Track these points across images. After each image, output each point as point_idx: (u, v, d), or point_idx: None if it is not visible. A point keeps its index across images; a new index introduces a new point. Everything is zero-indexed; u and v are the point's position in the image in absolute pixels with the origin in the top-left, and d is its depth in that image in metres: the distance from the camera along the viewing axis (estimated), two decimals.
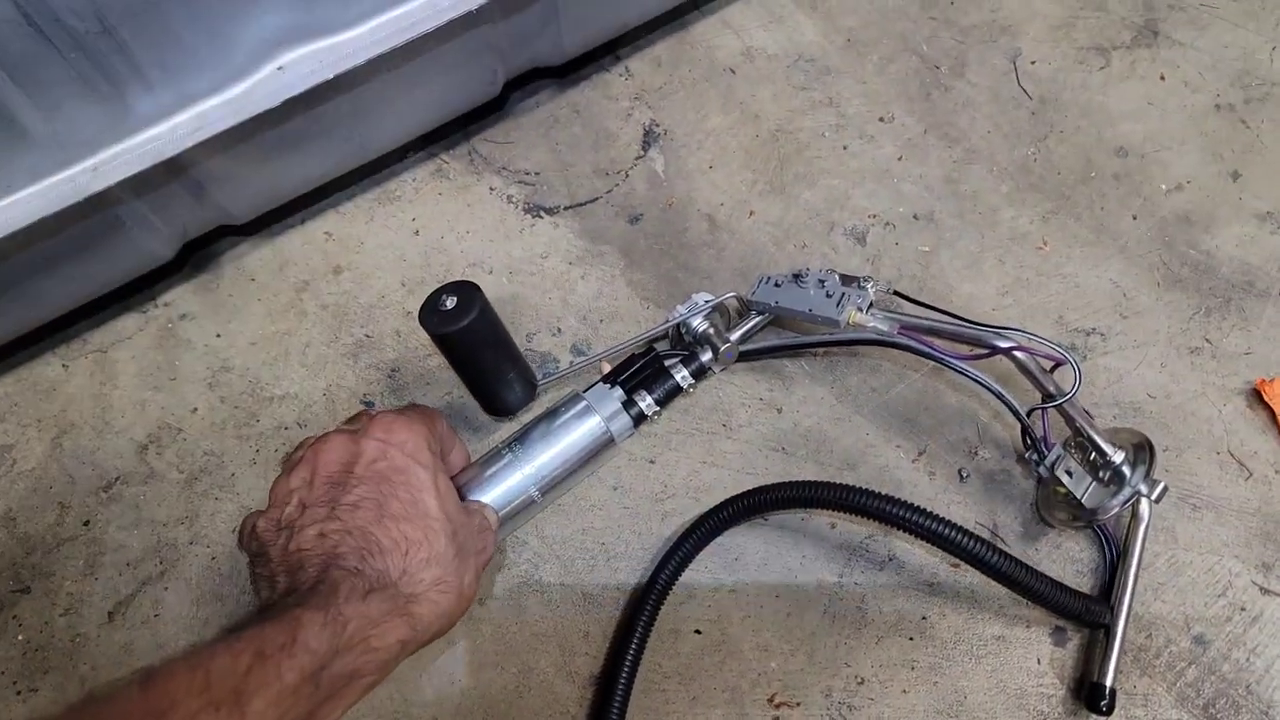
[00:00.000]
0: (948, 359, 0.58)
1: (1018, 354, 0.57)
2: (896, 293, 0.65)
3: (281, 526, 0.47)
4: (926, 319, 0.61)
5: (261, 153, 0.62)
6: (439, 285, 0.57)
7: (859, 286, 0.63)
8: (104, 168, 0.54)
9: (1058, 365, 0.58)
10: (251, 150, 0.61)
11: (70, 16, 0.48)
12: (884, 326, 0.60)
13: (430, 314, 0.55)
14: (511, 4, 0.61)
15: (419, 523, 0.48)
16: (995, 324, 0.59)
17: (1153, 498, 0.58)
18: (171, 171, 0.58)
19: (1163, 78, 0.81)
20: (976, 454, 0.66)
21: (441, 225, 0.75)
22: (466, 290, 0.56)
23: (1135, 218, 0.74)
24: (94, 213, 0.57)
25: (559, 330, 0.71)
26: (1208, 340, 0.69)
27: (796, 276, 0.64)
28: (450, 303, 0.55)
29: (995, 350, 0.57)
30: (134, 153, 0.54)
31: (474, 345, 0.58)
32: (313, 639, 0.40)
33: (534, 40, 0.71)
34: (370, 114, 0.65)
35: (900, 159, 0.78)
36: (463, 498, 0.59)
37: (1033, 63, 0.82)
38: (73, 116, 0.52)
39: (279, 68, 0.55)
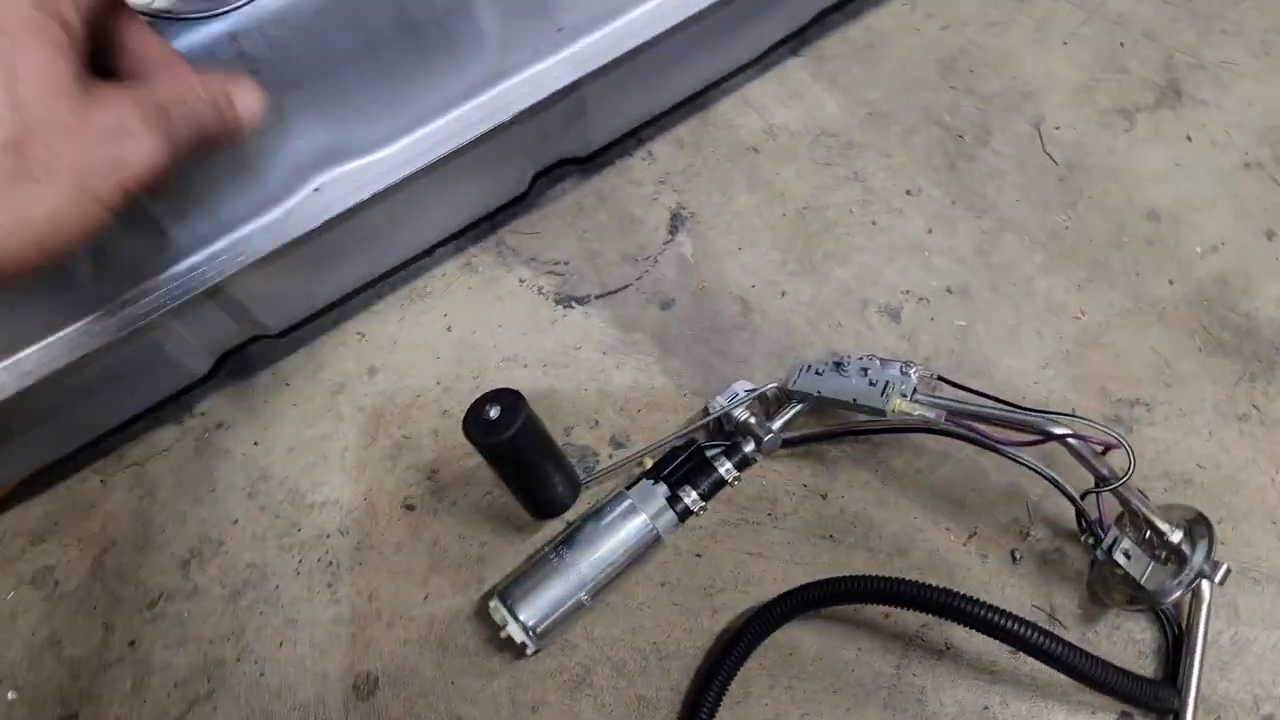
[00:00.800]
0: (999, 446, 0.57)
1: (1071, 440, 0.56)
2: (941, 378, 0.64)
3: None
4: (973, 404, 0.60)
5: (298, 268, 0.62)
6: (478, 393, 0.56)
7: (902, 372, 0.62)
8: (145, 299, 0.53)
9: (1109, 448, 0.57)
10: (289, 267, 0.60)
11: None
12: (930, 414, 0.59)
13: (474, 424, 0.55)
14: (540, 108, 0.61)
15: None
16: (1043, 409, 0.58)
17: (1215, 580, 0.57)
18: (209, 294, 0.58)
19: (1189, 138, 0.81)
20: (1028, 535, 0.64)
21: (473, 320, 0.75)
22: (509, 399, 0.55)
23: (1172, 282, 0.73)
24: (133, 340, 0.57)
25: (596, 422, 0.70)
26: (1255, 406, 0.68)
27: (838, 365, 0.63)
28: (494, 412, 0.55)
29: (1049, 437, 0.56)
30: (174, 284, 0.54)
31: (519, 454, 0.57)
32: None
33: (562, 136, 0.71)
34: (405, 220, 0.65)
35: (930, 232, 0.77)
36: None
37: (1057, 128, 0.82)
38: (110, 250, 0.52)
39: (315, 189, 0.55)
